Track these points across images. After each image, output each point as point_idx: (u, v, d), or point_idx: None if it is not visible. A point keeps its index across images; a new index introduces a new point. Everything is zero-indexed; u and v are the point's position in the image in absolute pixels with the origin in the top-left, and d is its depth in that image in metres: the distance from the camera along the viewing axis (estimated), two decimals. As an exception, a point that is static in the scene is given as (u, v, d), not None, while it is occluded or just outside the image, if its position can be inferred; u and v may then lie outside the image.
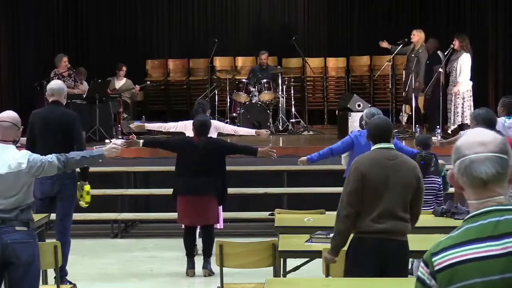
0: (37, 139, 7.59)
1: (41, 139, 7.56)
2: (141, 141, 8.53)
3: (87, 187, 7.71)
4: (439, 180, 7.67)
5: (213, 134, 9.10)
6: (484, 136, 2.40)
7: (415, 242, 6.45)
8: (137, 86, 14.69)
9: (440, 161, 7.91)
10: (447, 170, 8.21)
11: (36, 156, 5.39)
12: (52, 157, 5.40)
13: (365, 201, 5.16)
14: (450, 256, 2.30)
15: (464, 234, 2.32)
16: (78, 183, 7.71)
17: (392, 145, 5.33)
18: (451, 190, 8.56)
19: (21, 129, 5.59)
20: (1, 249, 5.21)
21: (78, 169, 7.64)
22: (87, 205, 7.82)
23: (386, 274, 5.13)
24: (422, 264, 2.36)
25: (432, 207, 7.40)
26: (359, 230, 5.19)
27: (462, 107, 12.60)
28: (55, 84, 7.86)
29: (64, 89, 7.88)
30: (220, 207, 8.74)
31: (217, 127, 9.41)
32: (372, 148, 5.34)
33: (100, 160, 5.68)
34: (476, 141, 2.39)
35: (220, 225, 8.96)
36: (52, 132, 7.54)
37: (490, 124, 7.01)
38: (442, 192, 7.71)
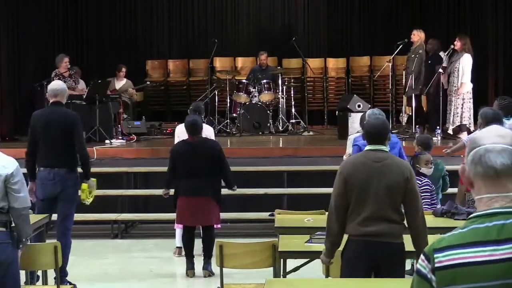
0: (38, 139, 7.59)
1: (43, 140, 7.56)
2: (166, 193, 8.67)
3: (84, 185, 7.70)
4: (430, 182, 7.67)
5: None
6: (503, 130, 2.36)
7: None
8: (131, 89, 14.66)
9: (425, 156, 7.81)
10: (447, 171, 8.21)
11: (21, 177, 5.28)
12: (23, 206, 5.27)
13: (351, 204, 5.15)
14: (453, 257, 2.25)
15: (469, 235, 2.28)
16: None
17: (383, 147, 5.24)
18: (451, 190, 8.56)
19: None
20: None
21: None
22: (88, 203, 7.83)
23: (379, 276, 5.11)
24: (423, 257, 2.30)
25: (429, 208, 7.38)
26: (348, 233, 5.20)
27: (462, 108, 12.58)
28: (57, 84, 7.85)
29: (66, 90, 7.92)
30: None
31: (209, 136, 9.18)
32: (365, 149, 5.35)
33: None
34: (494, 133, 2.34)
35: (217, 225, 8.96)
36: (54, 132, 7.55)
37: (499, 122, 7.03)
38: (434, 193, 7.70)
